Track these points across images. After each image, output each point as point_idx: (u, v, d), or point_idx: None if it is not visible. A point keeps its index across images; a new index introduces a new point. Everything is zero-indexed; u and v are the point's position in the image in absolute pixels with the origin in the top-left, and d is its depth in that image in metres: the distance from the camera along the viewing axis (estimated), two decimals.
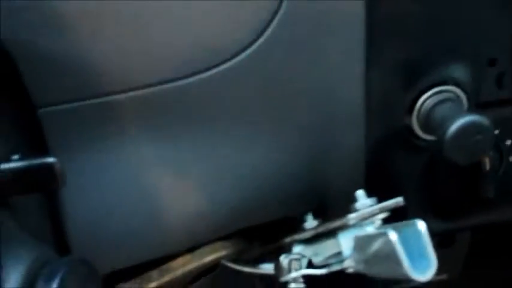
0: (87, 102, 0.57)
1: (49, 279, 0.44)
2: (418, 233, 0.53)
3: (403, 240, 0.52)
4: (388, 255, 0.53)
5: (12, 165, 0.50)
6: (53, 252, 0.50)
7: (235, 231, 0.68)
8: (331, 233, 0.62)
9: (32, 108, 0.56)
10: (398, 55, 0.62)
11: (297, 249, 0.64)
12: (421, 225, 0.53)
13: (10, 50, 0.53)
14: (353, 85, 0.62)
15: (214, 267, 0.73)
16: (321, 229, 0.61)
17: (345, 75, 0.62)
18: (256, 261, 0.70)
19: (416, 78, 0.63)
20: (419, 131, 0.64)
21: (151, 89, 0.58)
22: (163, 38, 0.57)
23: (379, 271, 0.56)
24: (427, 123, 0.63)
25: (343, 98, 0.63)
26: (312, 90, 0.61)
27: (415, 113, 0.64)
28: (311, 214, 0.66)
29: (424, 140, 0.65)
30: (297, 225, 0.67)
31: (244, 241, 0.71)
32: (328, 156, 0.64)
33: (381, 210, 0.59)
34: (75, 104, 0.57)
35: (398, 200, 0.58)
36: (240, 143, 0.62)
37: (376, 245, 0.54)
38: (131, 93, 0.58)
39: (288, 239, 0.65)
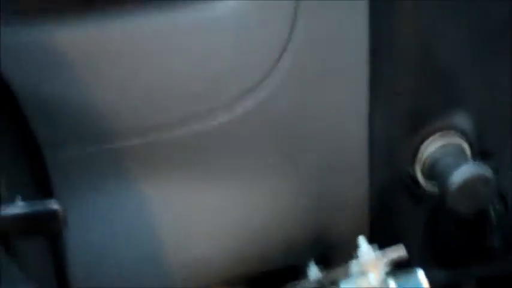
0: (93, 146, 0.58)
1: None
2: (418, 282, 0.53)
3: (399, 282, 0.53)
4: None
5: (15, 210, 0.50)
6: None
7: (239, 278, 0.69)
8: (334, 281, 0.62)
9: (37, 149, 0.57)
10: (402, 102, 0.63)
11: None
12: (421, 274, 0.53)
13: (18, 92, 0.54)
14: (356, 132, 0.62)
15: None
16: (323, 278, 0.61)
17: (349, 119, 0.62)
18: None
19: (419, 126, 0.63)
20: (422, 180, 0.64)
21: (156, 135, 0.58)
22: (170, 82, 0.57)
23: None
24: (430, 172, 0.63)
25: (347, 142, 0.63)
26: (316, 135, 0.62)
27: (418, 161, 0.64)
28: (313, 262, 0.65)
29: (427, 189, 0.64)
30: (300, 272, 0.67)
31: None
32: (331, 202, 0.64)
33: (382, 259, 0.58)
34: (82, 148, 0.57)
35: (399, 249, 0.57)
36: (243, 188, 0.62)
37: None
38: (137, 139, 0.58)
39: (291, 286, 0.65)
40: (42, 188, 0.58)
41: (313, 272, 0.65)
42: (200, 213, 0.62)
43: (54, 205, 0.51)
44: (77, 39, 0.55)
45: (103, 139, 0.58)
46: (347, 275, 0.59)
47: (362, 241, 0.59)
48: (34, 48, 0.54)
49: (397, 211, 0.67)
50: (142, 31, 0.56)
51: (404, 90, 0.63)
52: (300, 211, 0.64)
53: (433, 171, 0.63)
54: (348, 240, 0.62)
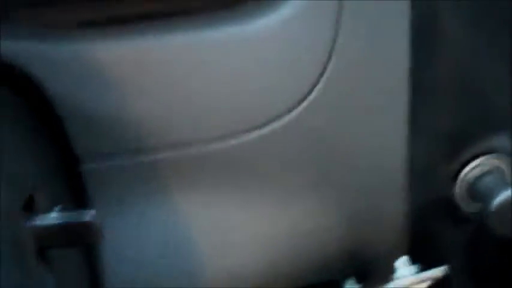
0: (129, 159, 0.58)
1: None
2: None
3: None
4: None
5: (51, 220, 0.51)
6: None
7: None
8: None
9: (75, 163, 0.58)
10: (441, 124, 0.62)
11: None
12: None
13: (60, 106, 0.55)
14: (395, 149, 0.62)
15: None
16: None
17: (388, 139, 0.62)
18: None
19: (459, 148, 0.63)
20: (462, 202, 0.64)
21: (193, 149, 0.58)
22: (209, 98, 0.58)
23: None
24: (471, 194, 0.63)
25: (386, 162, 0.63)
26: (355, 152, 0.62)
27: (458, 183, 0.63)
28: (353, 279, 0.65)
29: (467, 212, 0.64)
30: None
31: None
32: (369, 220, 0.64)
33: (422, 280, 0.58)
34: (118, 161, 0.58)
35: (439, 271, 0.58)
36: (279, 204, 0.62)
37: None
38: (173, 153, 0.58)
39: None
40: (79, 201, 0.59)
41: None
42: (234, 228, 0.62)
43: (89, 216, 0.52)
44: (117, 54, 0.55)
45: (140, 152, 0.58)
46: None
47: (402, 262, 0.59)
48: (75, 63, 0.55)
49: (437, 233, 0.66)
50: (182, 46, 0.56)
51: (444, 112, 0.62)
52: (335, 229, 0.63)
53: (473, 193, 0.62)
54: (386, 259, 0.62)
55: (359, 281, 0.66)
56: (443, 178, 0.64)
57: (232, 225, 0.62)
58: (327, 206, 0.63)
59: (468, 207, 0.64)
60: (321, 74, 0.58)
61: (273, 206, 0.62)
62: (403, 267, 0.58)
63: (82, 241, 0.52)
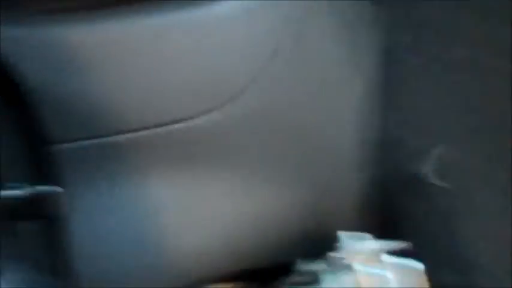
0: (98, 140, 0.63)
1: None
2: (416, 272, 0.56)
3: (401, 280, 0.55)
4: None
5: (20, 192, 0.55)
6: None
7: (234, 274, 0.72)
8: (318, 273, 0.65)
9: (43, 144, 0.61)
10: (413, 104, 0.65)
11: None
12: (419, 265, 0.56)
13: (32, 89, 0.59)
14: (356, 132, 0.66)
15: None
16: (305, 269, 0.65)
17: (346, 117, 0.66)
18: None
19: (427, 130, 0.65)
20: (430, 179, 0.65)
21: (157, 130, 0.63)
22: (171, 81, 0.62)
23: None
24: (441, 170, 0.64)
25: (336, 147, 0.67)
26: (312, 130, 0.66)
27: (424, 160, 0.65)
28: (307, 259, 0.68)
29: (436, 187, 0.66)
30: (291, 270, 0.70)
31: (244, 284, 0.73)
32: (329, 197, 0.68)
33: (382, 249, 0.62)
34: (87, 142, 0.62)
35: (394, 243, 0.62)
36: (241, 181, 0.66)
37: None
38: (136, 134, 0.63)
39: (283, 282, 0.68)
40: (47, 180, 0.62)
41: (302, 266, 0.68)
42: (197, 206, 0.66)
43: (55, 189, 0.55)
44: (87, 39, 0.60)
45: (106, 134, 0.62)
46: (329, 266, 0.63)
47: (342, 234, 0.63)
48: (47, 47, 0.59)
49: (405, 209, 0.69)
50: (143, 31, 0.61)
51: (413, 95, 0.65)
52: (296, 206, 0.67)
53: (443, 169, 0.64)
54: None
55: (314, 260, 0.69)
56: (411, 156, 0.67)
57: (194, 203, 0.66)
58: (287, 184, 0.67)
59: (438, 182, 0.66)
60: (274, 53, 0.63)
61: (233, 185, 0.66)
62: (344, 238, 0.62)
63: (49, 213, 0.56)
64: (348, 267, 0.60)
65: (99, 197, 0.64)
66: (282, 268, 0.70)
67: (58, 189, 0.55)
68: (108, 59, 0.60)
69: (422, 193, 0.67)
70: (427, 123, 0.63)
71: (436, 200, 0.66)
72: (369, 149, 0.66)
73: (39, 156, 0.61)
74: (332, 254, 0.62)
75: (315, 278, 0.65)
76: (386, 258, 0.61)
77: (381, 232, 0.64)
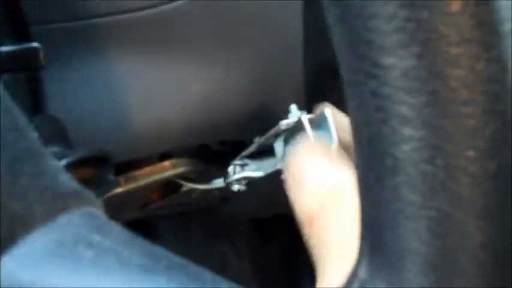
0: (73, 23, 0.68)
1: None
2: (325, 117, 0.62)
3: (314, 126, 0.62)
4: (302, 138, 0.62)
5: (5, 48, 0.60)
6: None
7: (194, 151, 0.79)
8: (272, 152, 0.71)
9: (24, 25, 0.66)
10: None
11: (244, 161, 0.73)
12: (327, 111, 0.62)
13: None
14: (292, 18, 0.72)
15: (175, 189, 0.83)
16: (261, 140, 0.70)
17: (286, 9, 0.72)
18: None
19: None
20: None
21: (125, 15, 0.69)
22: None
23: None
24: None
25: (285, 28, 0.73)
26: (259, 23, 0.72)
27: None
28: (259, 137, 0.75)
29: None
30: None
31: (202, 161, 0.80)
32: (273, 84, 0.75)
33: (310, 119, 0.67)
34: (62, 24, 0.68)
35: (325, 110, 0.66)
36: (199, 67, 0.72)
37: (295, 136, 0.64)
38: (108, 18, 0.69)
39: (237, 158, 0.75)
40: None
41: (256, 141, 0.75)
42: (160, 85, 0.72)
43: (35, 44, 0.61)
44: None
45: (82, 17, 0.68)
46: (278, 135, 0.69)
47: (293, 108, 0.69)
48: None
49: (329, 89, 0.74)
50: None
51: None
52: (244, 89, 0.74)
53: None
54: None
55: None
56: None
57: (158, 82, 0.73)
58: (235, 70, 0.73)
59: None
60: None
61: (191, 67, 0.72)
62: (293, 112, 0.67)
63: (30, 65, 0.62)
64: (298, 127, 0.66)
65: (72, 73, 0.70)
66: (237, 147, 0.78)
67: (36, 45, 0.60)
68: None
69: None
70: None
71: None
72: (301, 37, 0.73)
73: (18, 36, 0.65)
74: (284, 121, 0.65)
75: (269, 149, 0.71)
76: None
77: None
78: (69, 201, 0.37)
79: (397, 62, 0.28)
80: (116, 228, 0.38)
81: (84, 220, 0.37)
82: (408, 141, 0.29)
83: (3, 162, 0.32)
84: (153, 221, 1.13)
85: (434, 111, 0.28)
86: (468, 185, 0.28)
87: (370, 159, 0.30)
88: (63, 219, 0.36)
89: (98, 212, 0.39)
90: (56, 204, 0.36)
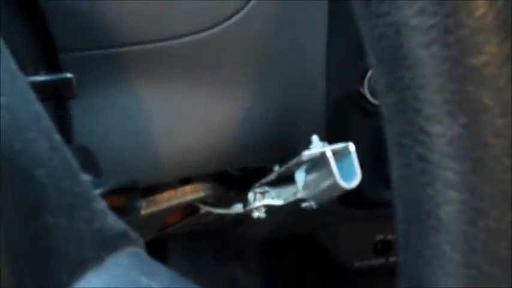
0: (101, 51, 0.70)
1: None
2: (348, 152, 0.64)
3: (337, 158, 0.64)
4: (325, 172, 0.65)
5: (39, 78, 0.63)
6: None
7: (214, 177, 0.80)
8: (292, 179, 0.73)
9: (53, 51, 0.69)
10: (354, 29, 0.72)
11: (264, 188, 0.75)
12: (351, 146, 0.63)
13: (41, 1, 0.65)
14: (316, 52, 0.74)
15: (193, 211, 0.85)
16: (282, 169, 0.74)
17: (310, 44, 0.74)
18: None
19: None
20: (369, 96, 0.76)
21: (152, 45, 0.70)
22: (166, 1, 0.69)
23: (321, 193, 0.68)
24: (376, 90, 0.72)
25: (308, 63, 0.75)
26: (283, 56, 0.74)
27: (366, 80, 0.75)
28: (278, 165, 0.77)
29: (374, 104, 0.76)
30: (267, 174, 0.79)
31: (222, 186, 0.82)
32: (294, 114, 0.76)
33: (332, 150, 0.68)
34: (92, 52, 0.69)
35: (348, 144, 0.68)
36: (222, 96, 0.74)
37: (317, 167, 0.66)
38: (136, 47, 0.70)
39: (257, 184, 0.77)
40: None
41: (276, 169, 0.77)
42: (183, 114, 0.74)
43: (68, 75, 0.63)
44: None
45: (109, 45, 0.69)
46: (300, 165, 0.71)
47: (315, 139, 0.71)
48: None
49: (350, 124, 0.78)
50: None
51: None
52: (266, 119, 0.76)
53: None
54: (305, 147, 0.73)
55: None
56: (355, 76, 0.76)
57: (181, 110, 0.74)
58: (258, 99, 0.75)
59: (374, 100, 0.75)
60: None
61: (215, 96, 0.74)
62: (314, 143, 0.69)
63: (63, 95, 0.64)
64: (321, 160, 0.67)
65: (97, 100, 0.71)
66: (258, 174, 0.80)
67: (69, 75, 0.62)
68: None
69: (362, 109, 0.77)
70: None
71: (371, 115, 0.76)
72: (324, 70, 0.75)
73: (50, 63, 0.67)
74: (306, 152, 0.69)
75: (289, 176, 0.73)
76: None
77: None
78: (117, 242, 0.38)
79: (444, 131, 0.29)
80: (160, 268, 0.40)
81: (130, 261, 0.38)
82: (452, 204, 0.30)
83: (62, 208, 0.34)
84: (164, 238, 1.15)
85: (478, 177, 0.30)
86: (507, 247, 0.29)
87: (413, 217, 0.32)
88: (112, 261, 0.38)
89: (142, 251, 0.41)
90: (106, 247, 0.37)
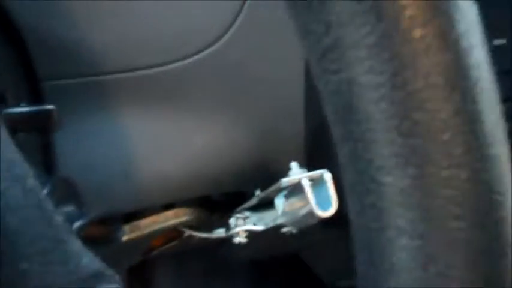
0: (83, 79, 0.72)
1: None
2: (324, 181, 0.66)
3: (314, 186, 0.65)
4: (302, 199, 0.67)
5: (20, 110, 0.64)
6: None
7: (196, 201, 0.81)
8: (272, 204, 0.74)
9: (36, 79, 0.70)
10: None
11: (244, 214, 0.76)
12: (327, 175, 0.65)
13: (24, 30, 0.66)
14: (295, 80, 0.76)
15: (177, 235, 0.86)
16: (262, 195, 0.75)
17: (289, 70, 0.76)
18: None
19: None
20: None
21: (134, 73, 0.72)
22: (148, 30, 0.71)
23: (299, 220, 0.69)
24: None
25: (288, 89, 0.77)
26: (263, 83, 0.76)
27: None
28: (259, 190, 0.78)
29: None
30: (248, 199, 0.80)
31: (204, 211, 0.83)
32: (273, 139, 0.78)
33: (310, 177, 0.69)
34: (74, 80, 0.71)
35: (323, 171, 0.69)
36: (201, 120, 0.76)
37: (295, 194, 0.67)
38: (119, 75, 0.72)
39: (238, 209, 0.78)
40: None
41: (257, 194, 0.79)
42: (165, 140, 0.75)
43: (50, 107, 0.64)
44: None
45: (91, 74, 0.71)
46: (279, 191, 0.73)
47: (294, 165, 0.72)
48: None
49: (329, 147, 0.78)
50: None
51: None
52: (245, 145, 0.78)
53: None
54: (286, 172, 0.74)
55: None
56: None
57: (163, 137, 0.76)
58: (238, 126, 0.77)
59: None
60: (237, 15, 0.72)
61: (195, 123, 0.76)
62: (294, 169, 0.70)
63: (45, 127, 0.65)
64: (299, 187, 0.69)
65: (78, 127, 0.72)
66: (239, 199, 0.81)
67: (51, 107, 0.63)
68: (92, 6, 0.68)
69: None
70: None
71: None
72: (303, 97, 0.77)
73: (32, 91, 0.68)
74: (285, 179, 0.70)
75: (269, 201, 0.74)
76: None
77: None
78: (93, 282, 0.40)
79: (394, 181, 0.31)
80: None
81: None
82: (404, 250, 0.32)
83: (36, 254, 0.35)
84: (150, 258, 1.16)
85: (427, 225, 0.31)
86: None
87: (369, 261, 0.33)
88: None
89: None
90: (81, 286, 0.39)
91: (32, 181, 0.39)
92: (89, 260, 0.41)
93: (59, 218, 0.41)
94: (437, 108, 0.30)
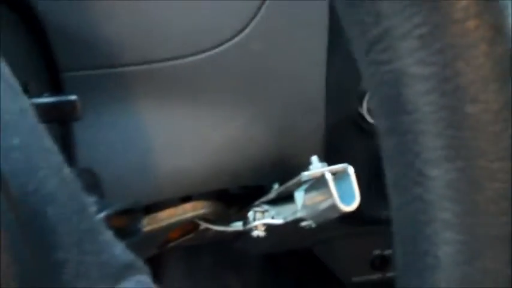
0: (102, 71, 0.71)
1: None
2: (347, 174, 0.65)
3: (336, 180, 0.65)
4: (324, 193, 0.66)
5: (45, 100, 0.63)
6: None
7: (214, 195, 0.81)
8: (291, 198, 0.74)
9: (56, 70, 0.70)
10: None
11: (263, 207, 0.76)
12: (350, 169, 0.64)
13: (45, 22, 0.66)
14: (316, 74, 0.75)
15: (193, 228, 0.86)
16: (281, 189, 0.74)
17: (309, 68, 0.75)
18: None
19: None
20: (368, 116, 0.77)
21: (155, 65, 0.72)
22: (168, 22, 0.71)
23: (320, 214, 0.69)
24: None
25: (307, 85, 0.76)
26: (283, 77, 0.75)
27: (364, 100, 0.77)
28: (278, 183, 0.78)
29: (372, 124, 0.76)
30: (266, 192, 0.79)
31: (222, 204, 0.83)
32: (294, 134, 0.78)
33: (331, 171, 0.69)
34: (93, 72, 0.70)
35: (346, 165, 0.68)
36: (222, 116, 0.75)
37: (316, 188, 0.67)
38: (139, 67, 0.71)
39: (256, 202, 0.78)
40: None
41: (275, 187, 0.78)
42: (184, 134, 0.75)
43: (73, 97, 0.64)
44: None
45: (111, 65, 0.70)
46: (299, 185, 0.72)
47: (314, 159, 0.71)
48: None
49: (349, 142, 0.80)
50: None
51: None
52: (264, 140, 0.77)
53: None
54: (304, 167, 0.73)
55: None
56: (354, 97, 0.77)
57: (182, 130, 0.75)
58: (257, 120, 0.76)
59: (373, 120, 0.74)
60: (260, 5, 0.71)
61: (215, 116, 0.75)
62: (314, 163, 0.70)
63: (68, 117, 0.65)
64: (321, 181, 0.68)
65: (97, 119, 0.72)
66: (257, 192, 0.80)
67: (73, 97, 0.63)
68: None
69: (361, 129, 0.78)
70: None
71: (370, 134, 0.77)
72: (323, 90, 0.76)
73: (53, 82, 0.68)
74: (306, 173, 0.69)
75: (288, 195, 0.74)
76: None
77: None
78: (124, 272, 0.39)
79: (441, 174, 0.30)
80: None
81: None
82: (450, 244, 0.31)
83: (72, 244, 0.35)
84: (161, 251, 1.16)
85: (474, 219, 0.31)
86: (504, 287, 0.31)
87: (411, 255, 0.33)
88: None
89: (148, 279, 0.42)
90: (114, 278, 0.38)
91: (67, 171, 0.39)
92: (121, 251, 0.41)
93: (92, 209, 0.41)
94: (489, 100, 0.29)
